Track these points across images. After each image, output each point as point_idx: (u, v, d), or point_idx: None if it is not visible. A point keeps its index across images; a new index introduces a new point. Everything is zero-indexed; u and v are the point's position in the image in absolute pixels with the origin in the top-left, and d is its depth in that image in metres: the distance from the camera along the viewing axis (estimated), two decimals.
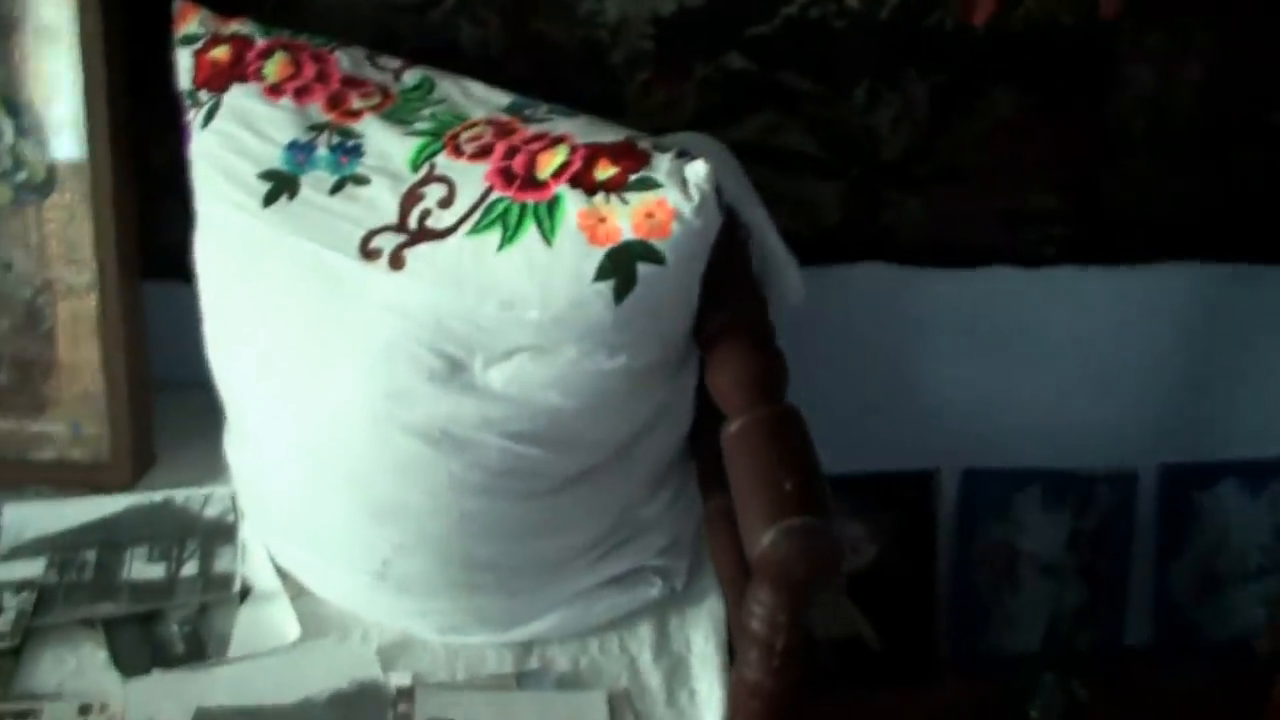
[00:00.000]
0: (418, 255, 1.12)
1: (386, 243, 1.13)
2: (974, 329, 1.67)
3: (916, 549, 1.82)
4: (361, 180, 1.16)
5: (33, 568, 1.35)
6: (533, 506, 1.23)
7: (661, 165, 1.09)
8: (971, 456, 1.76)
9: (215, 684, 1.24)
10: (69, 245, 1.40)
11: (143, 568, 1.37)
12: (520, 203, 1.12)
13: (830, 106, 1.49)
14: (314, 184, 1.17)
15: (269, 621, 1.32)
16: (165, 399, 1.46)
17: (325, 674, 1.26)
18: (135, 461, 1.47)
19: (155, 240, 1.38)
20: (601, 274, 1.10)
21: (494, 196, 1.14)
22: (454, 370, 1.16)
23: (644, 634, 1.33)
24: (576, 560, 1.30)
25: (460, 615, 1.28)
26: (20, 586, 1.33)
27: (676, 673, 1.29)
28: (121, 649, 1.29)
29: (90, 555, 1.38)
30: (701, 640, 1.32)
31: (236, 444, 1.34)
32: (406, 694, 1.23)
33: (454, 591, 1.25)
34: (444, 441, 1.17)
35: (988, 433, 1.72)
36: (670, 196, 1.07)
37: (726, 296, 1.19)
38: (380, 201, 1.15)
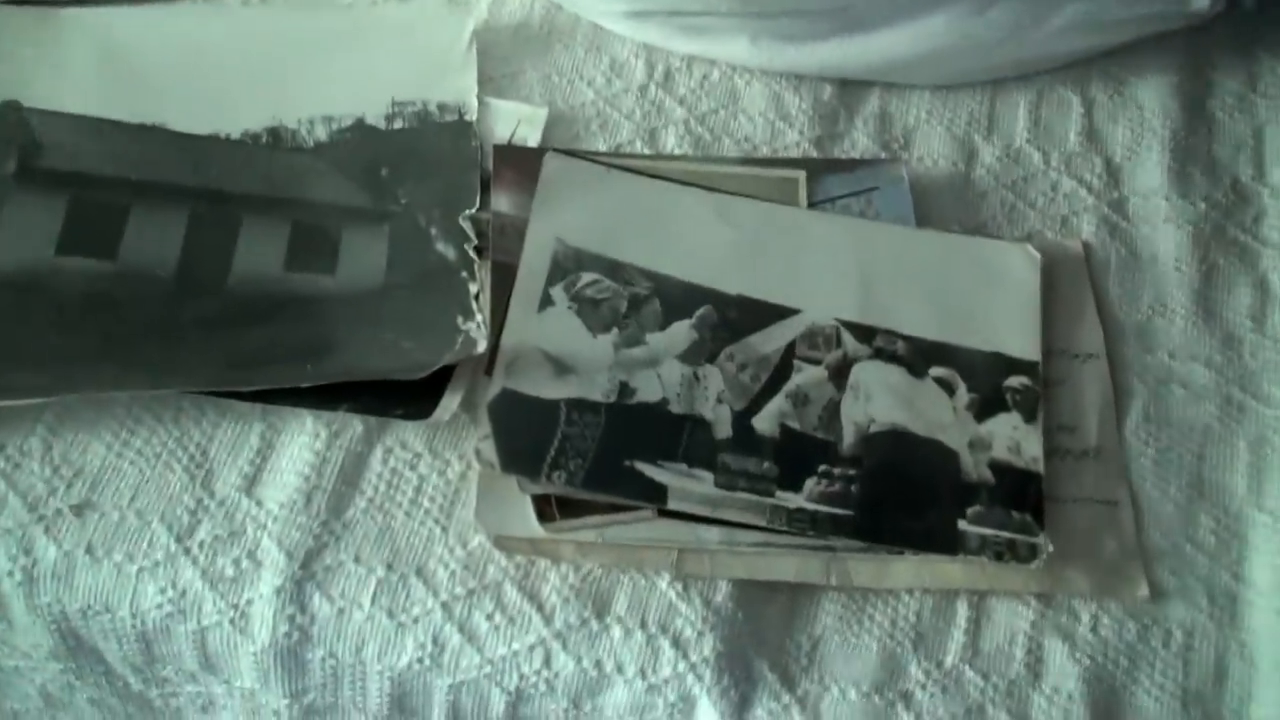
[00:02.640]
0: None
1: None
2: None
3: None
4: None
5: None
6: None
7: None
8: None
9: (70, 51, 0.62)
10: None
11: None
12: None
13: None
14: None
15: None
16: None
17: (338, 80, 0.60)
18: None
19: None
20: None
21: None
22: None
23: (1147, 109, 0.63)
24: None
25: None
26: None
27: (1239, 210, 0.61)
28: None
29: None
30: None
31: None
32: (513, 160, 0.61)
33: None
34: None
35: None
36: None
37: None
38: None
